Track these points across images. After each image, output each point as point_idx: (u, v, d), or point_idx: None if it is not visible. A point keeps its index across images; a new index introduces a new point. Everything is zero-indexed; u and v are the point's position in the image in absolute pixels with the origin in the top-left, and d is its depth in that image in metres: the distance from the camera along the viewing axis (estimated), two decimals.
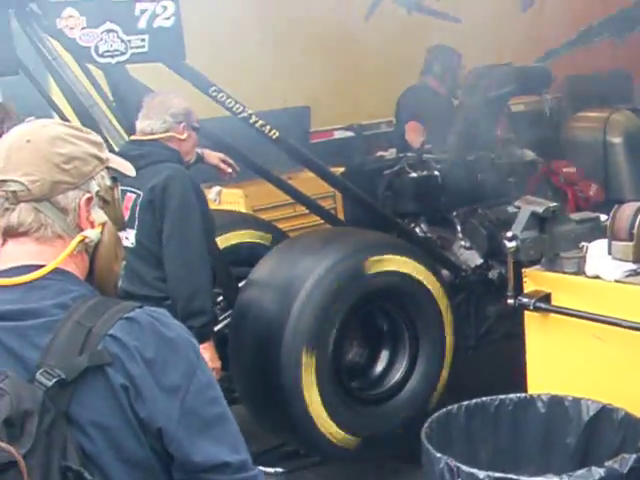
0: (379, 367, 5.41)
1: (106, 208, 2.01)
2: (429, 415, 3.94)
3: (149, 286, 4.50)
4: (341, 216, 6.93)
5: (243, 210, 6.93)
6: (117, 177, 2.07)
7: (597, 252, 4.01)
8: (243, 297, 5.20)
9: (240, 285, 5.35)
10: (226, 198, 6.80)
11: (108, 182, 2.01)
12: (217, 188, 6.64)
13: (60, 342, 1.81)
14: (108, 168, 2.03)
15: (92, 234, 1.96)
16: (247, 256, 5.82)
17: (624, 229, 3.89)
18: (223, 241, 5.79)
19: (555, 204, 4.16)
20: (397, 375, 5.38)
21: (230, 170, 5.45)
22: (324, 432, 5.02)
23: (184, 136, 4.75)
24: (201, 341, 4.04)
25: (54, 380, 1.75)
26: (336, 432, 5.04)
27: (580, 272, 4.08)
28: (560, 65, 7.89)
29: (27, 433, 1.69)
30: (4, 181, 1.91)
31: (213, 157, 5.42)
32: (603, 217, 4.24)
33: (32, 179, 1.90)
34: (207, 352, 4.35)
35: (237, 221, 6.29)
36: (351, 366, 5.38)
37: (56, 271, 1.91)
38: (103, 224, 1.99)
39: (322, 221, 6.42)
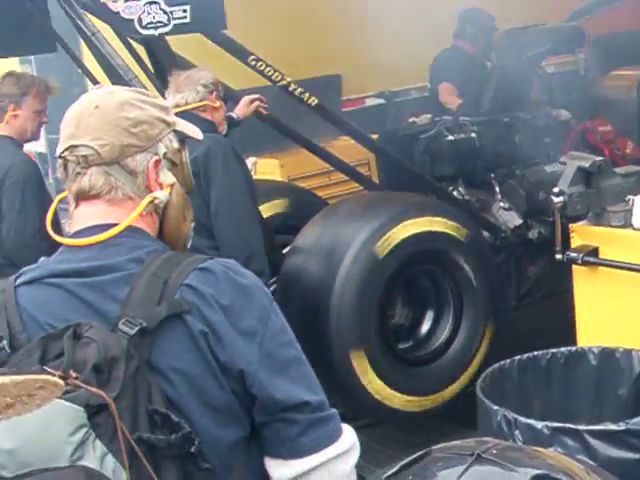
0: (425, 328, 5.47)
1: (174, 170, 2.05)
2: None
3: None
4: None
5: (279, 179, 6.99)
6: (184, 140, 2.12)
7: None
8: (288, 264, 5.26)
9: (284, 252, 5.41)
10: (262, 168, 6.85)
11: (176, 145, 2.05)
12: (252, 159, 6.69)
13: (138, 293, 1.87)
14: (175, 131, 2.07)
15: (161, 195, 2.01)
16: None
17: None
18: None
19: (601, 158, 4.19)
20: (443, 335, 5.44)
21: (265, 105, 5.47)
22: (372, 393, 5.09)
23: (217, 104, 4.82)
24: None
25: (137, 328, 1.81)
26: (385, 392, 5.10)
27: (627, 225, 4.11)
28: (589, 24, 7.85)
29: (115, 378, 1.75)
30: (75, 146, 1.96)
31: (243, 107, 5.42)
32: None
33: (102, 143, 1.94)
34: None
35: None
36: (397, 327, 5.45)
37: (129, 229, 1.96)
38: (171, 185, 2.03)
39: (357, 189, 6.49)
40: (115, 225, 1.96)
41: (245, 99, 5.44)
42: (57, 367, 1.73)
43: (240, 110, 5.42)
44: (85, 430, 1.68)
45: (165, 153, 2.02)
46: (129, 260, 1.92)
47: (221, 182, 4.57)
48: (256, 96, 5.46)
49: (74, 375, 1.72)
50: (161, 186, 2.02)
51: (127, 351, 1.78)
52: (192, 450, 1.80)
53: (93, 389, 1.71)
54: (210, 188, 4.58)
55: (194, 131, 2.14)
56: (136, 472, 1.73)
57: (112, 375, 1.75)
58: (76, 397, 1.69)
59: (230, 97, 5.10)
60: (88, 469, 1.68)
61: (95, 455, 1.69)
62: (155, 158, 2.00)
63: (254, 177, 5.93)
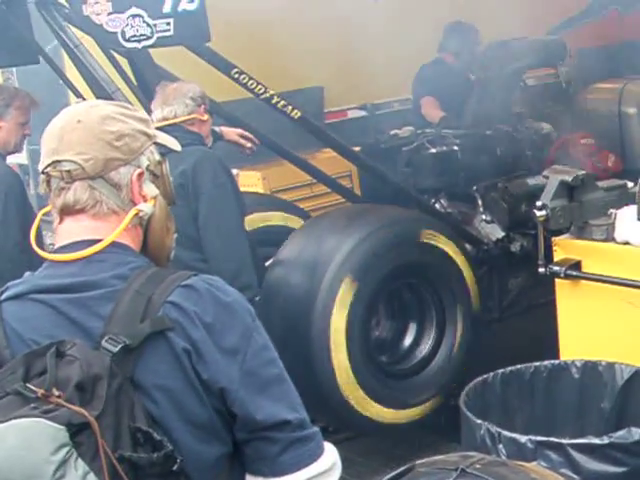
0: (407, 341, 5.47)
1: (156, 182, 2.06)
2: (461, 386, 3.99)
3: (189, 268, 4.54)
4: None
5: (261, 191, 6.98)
6: (164, 153, 2.13)
7: (626, 218, 4.05)
8: (271, 276, 5.25)
9: (267, 264, 5.41)
10: (244, 181, 6.84)
11: (157, 157, 2.07)
12: (234, 171, 6.69)
13: (122, 311, 1.87)
14: (156, 144, 2.08)
15: (146, 207, 2.02)
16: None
17: None
18: None
19: (584, 172, 4.21)
20: (425, 348, 5.44)
21: (250, 145, 5.52)
22: (355, 407, 5.08)
23: (205, 117, 4.83)
24: None
25: (119, 346, 1.82)
26: (368, 405, 5.10)
27: (609, 239, 4.13)
28: (569, 38, 7.89)
29: (97, 397, 1.75)
30: (58, 161, 1.96)
31: (232, 134, 5.49)
32: (630, 184, 4.29)
33: (85, 157, 1.95)
34: None
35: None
36: (380, 341, 5.44)
37: (113, 244, 1.97)
38: (155, 197, 2.05)
39: (339, 201, 6.49)
40: (99, 241, 1.96)
41: (238, 131, 5.48)
42: (40, 385, 1.74)
43: (227, 133, 5.44)
44: (67, 449, 1.68)
45: (147, 165, 2.03)
46: (113, 277, 1.93)
47: (210, 195, 4.57)
48: (250, 136, 5.49)
49: (57, 393, 1.73)
50: (145, 198, 2.03)
51: (110, 369, 1.78)
52: (174, 468, 1.80)
53: (75, 408, 1.71)
54: (198, 200, 4.58)
55: (173, 143, 2.17)
56: None
57: (95, 393, 1.75)
58: (57, 416, 1.69)
59: (214, 110, 5.10)
60: None
61: (77, 474, 1.68)
62: (138, 171, 2.01)
63: None
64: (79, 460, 1.69)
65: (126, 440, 1.76)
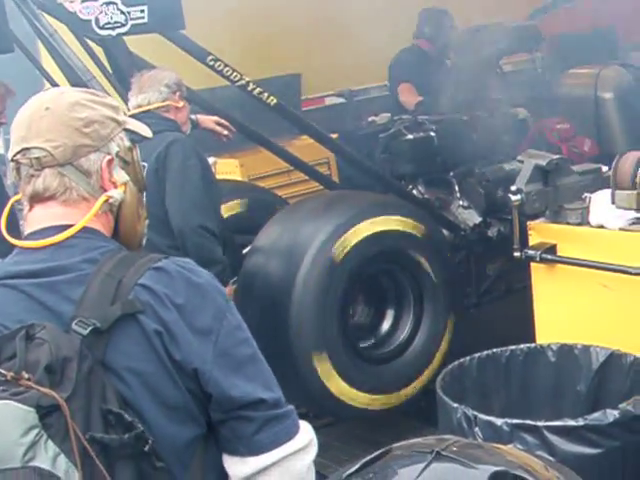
0: (385, 326, 5.49)
1: (127, 168, 2.06)
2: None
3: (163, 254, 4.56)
4: None
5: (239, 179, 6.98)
6: (137, 140, 2.13)
7: (600, 202, 4.07)
8: (249, 264, 5.26)
9: (244, 252, 5.41)
10: (222, 168, 6.83)
11: (127, 143, 2.07)
12: (212, 159, 6.67)
13: (92, 294, 1.88)
14: (127, 130, 2.08)
15: (115, 194, 2.02)
16: None
17: (627, 178, 3.96)
18: None
19: (558, 156, 4.22)
20: (403, 334, 5.46)
21: (226, 132, 5.52)
22: (334, 392, 5.10)
23: (181, 104, 4.83)
24: None
25: (89, 328, 1.82)
26: (346, 391, 5.11)
27: (584, 222, 4.15)
28: (546, 24, 7.91)
29: (67, 379, 1.75)
30: (27, 149, 1.96)
31: (208, 121, 5.49)
32: (604, 168, 4.31)
33: (55, 145, 1.95)
34: None
35: None
36: (358, 326, 5.46)
37: (84, 230, 1.97)
38: (125, 184, 2.05)
39: (317, 188, 6.50)
40: (70, 226, 1.96)
41: (214, 119, 5.48)
42: (9, 368, 1.74)
43: (203, 120, 5.44)
44: (36, 431, 1.69)
45: (117, 152, 2.04)
46: (83, 261, 1.93)
47: (174, 174, 4.59)
48: (226, 123, 5.49)
49: (26, 376, 1.73)
50: (115, 185, 2.03)
51: (80, 351, 1.79)
52: (146, 449, 1.81)
53: (45, 390, 1.72)
54: (165, 180, 4.59)
55: (144, 129, 2.17)
56: (89, 472, 1.74)
57: (65, 375, 1.76)
58: (27, 398, 1.70)
59: (191, 98, 5.10)
60: (39, 469, 1.68)
61: (47, 456, 1.69)
62: (108, 157, 2.01)
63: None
64: (49, 442, 1.70)
65: (97, 422, 1.77)
